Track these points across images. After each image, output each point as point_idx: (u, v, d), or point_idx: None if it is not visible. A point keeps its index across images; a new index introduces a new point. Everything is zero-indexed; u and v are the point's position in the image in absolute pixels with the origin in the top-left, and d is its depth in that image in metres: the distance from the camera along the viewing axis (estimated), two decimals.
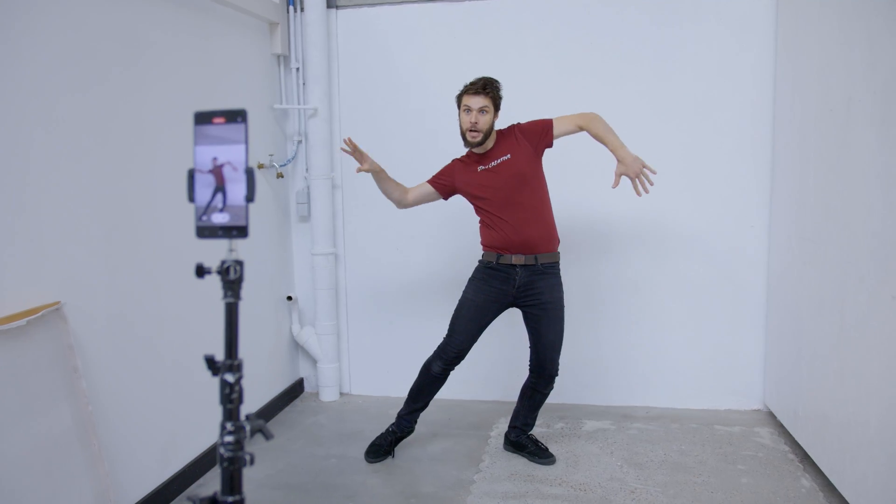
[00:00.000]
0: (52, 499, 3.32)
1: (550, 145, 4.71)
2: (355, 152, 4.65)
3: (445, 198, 4.92)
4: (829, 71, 4.46)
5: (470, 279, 4.86)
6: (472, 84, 4.58)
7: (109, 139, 3.95)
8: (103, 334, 3.89)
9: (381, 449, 5.02)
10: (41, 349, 3.38)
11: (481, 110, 4.52)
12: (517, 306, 4.80)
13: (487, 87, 4.53)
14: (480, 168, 4.66)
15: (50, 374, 3.42)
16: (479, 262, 4.84)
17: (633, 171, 4.47)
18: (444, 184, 4.85)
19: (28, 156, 3.38)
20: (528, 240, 4.63)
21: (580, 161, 5.57)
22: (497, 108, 4.63)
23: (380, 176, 4.82)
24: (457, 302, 4.87)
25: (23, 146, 3.35)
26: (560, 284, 4.80)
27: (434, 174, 4.89)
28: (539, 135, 4.66)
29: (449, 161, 4.90)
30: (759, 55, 5.56)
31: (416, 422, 5.09)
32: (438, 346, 4.86)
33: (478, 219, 4.82)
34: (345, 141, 4.64)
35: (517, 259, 4.65)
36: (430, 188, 4.88)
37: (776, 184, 5.48)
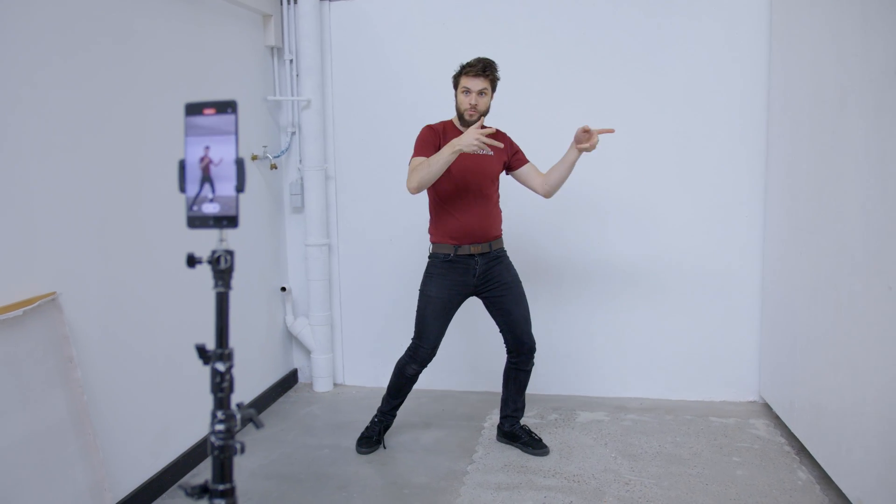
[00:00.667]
0: (46, 488, 3.32)
1: (507, 171, 4.83)
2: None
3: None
4: (822, 61, 4.46)
5: (426, 276, 4.83)
6: (471, 66, 4.54)
7: (103, 130, 3.94)
8: (98, 324, 3.90)
9: (371, 440, 5.03)
10: (37, 339, 3.38)
11: (480, 92, 4.52)
12: (478, 295, 4.83)
13: (487, 70, 4.52)
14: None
15: (45, 363, 3.42)
16: (433, 256, 4.81)
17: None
18: (438, 146, 4.67)
19: (21, 147, 3.38)
20: (487, 229, 4.70)
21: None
22: (494, 89, 4.63)
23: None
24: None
25: (16, 137, 3.35)
26: (512, 265, 4.89)
27: (420, 149, 4.63)
28: (512, 155, 4.76)
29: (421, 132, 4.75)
30: (752, 45, 5.54)
31: (396, 413, 5.14)
32: (409, 349, 4.86)
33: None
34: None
35: (475, 248, 4.68)
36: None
37: (770, 174, 5.48)
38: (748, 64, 5.56)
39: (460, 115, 4.62)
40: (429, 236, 4.84)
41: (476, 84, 4.52)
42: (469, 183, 4.62)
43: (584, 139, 4.51)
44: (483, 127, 4.33)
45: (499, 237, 4.81)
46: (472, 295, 4.83)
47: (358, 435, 5.16)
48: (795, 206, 4.89)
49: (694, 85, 5.65)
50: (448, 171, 4.51)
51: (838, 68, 4.20)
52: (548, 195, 4.81)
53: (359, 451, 4.99)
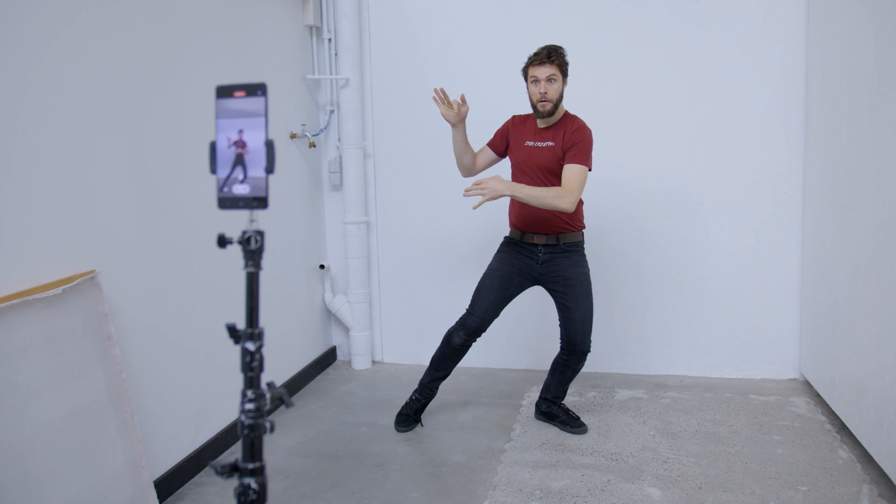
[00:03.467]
0: (85, 464, 3.36)
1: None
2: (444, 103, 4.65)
3: (503, 156, 4.88)
4: (860, 36, 4.39)
5: (496, 253, 4.88)
6: (535, 55, 4.52)
7: (143, 109, 3.97)
8: (137, 302, 3.93)
9: (409, 418, 5.04)
10: (76, 317, 3.41)
11: (549, 79, 4.47)
12: (542, 284, 4.79)
13: (552, 55, 4.47)
14: (527, 143, 4.64)
15: (84, 341, 3.45)
16: (505, 238, 4.87)
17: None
18: (498, 143, 4.83)
19: (62, 126, 3.41)
20: (549, 220, 4.63)
21: (612, 133, 5.54)
22: (565, 74, 4.57)
23: (459, 133, 4.73)
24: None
25: (56, 116, 3.38)
26: (584, 261, 4.77)
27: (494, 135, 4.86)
28: (567, 149, 4.61)
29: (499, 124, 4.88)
30: (789, 21, 5.48)
31: (437, 389, 5.09)
32: (461, 317, 4.85)
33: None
34: (436, 91, 4.62)
35: (539, 239, 4.66)
36: (489, 151, 4.87)
37: (809, 151, 5.42)
38: (786, 40, 5.50)
39: (534, 107, 4.58)
40: None
41: (543, 72, 4.47)
42: (527, 174, 4.63)
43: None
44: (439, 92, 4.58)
45: (569, 231, 4.68)
46: (536, 283, 4.79)
47: (396, 412, 5.18)
48: (835, 182, 4.84)
49: (732, 62, 5.59)
50: (512, 161, 4.72)
51: (877, 43, 4.13)
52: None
53: (397, 430, 5.00)
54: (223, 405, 4.70)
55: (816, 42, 5.22)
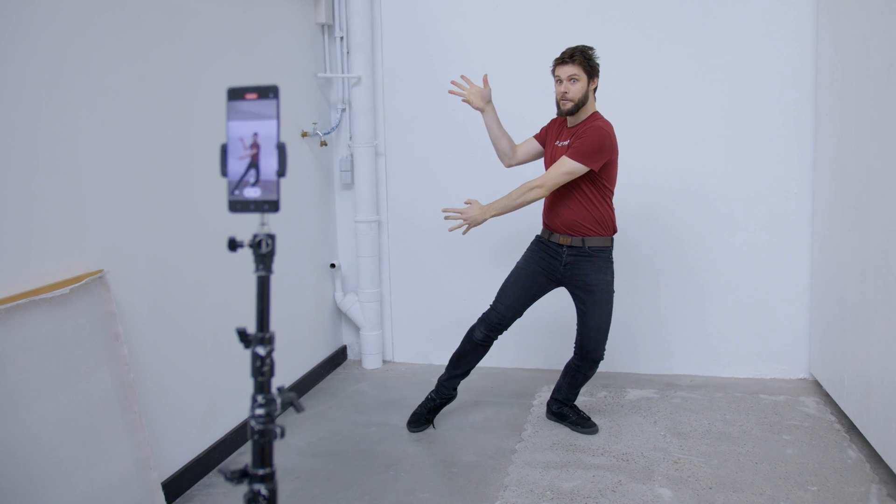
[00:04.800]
0: (92, 464, 3.36)
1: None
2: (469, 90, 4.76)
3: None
4: (870, 35, 4.39)
5: (525, 250, 4.89)
6: (561, 54, 4.57)
7: (153, 108, 3.96)
8: (145, 302, 3.93)
9: (422, 417, 5.02)
10: (84, 316, 3.41)
11: (571, 79, 4.50)
12: (565, 285, 4.78)
13: (575, 56, 4.51)
14: (557, 143, 4.67)
15: (92, 340, 3.45)
16: (536, 236, 4.88)
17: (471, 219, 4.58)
18: (541, 136, 4.88)
19: (71, 124, 3.41)
20: (572, 222, 4.62)
21: (623, 133, 5.53)
22: (591, 75, 4.57)
23: (490, 117, 4.81)
24: (502, 271, 4.91)
25: (66, 115, 3.38)
26: (609, 268, 4.74)
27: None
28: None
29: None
30: (800, 19, 5.48)
31: (456, 389, 5.06)
32: (484, 312, 4.85)
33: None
34: (454, 83, 4.74)
35: (564, 239, 4.65)
36: (535, 143, 4.88)
37: (818, 150, 5.41)
38: (795, 40, 5.50)
39: (556, 105, 4.62)
40: None
41: (565, 71, 4.52)
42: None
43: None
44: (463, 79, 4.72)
45: (595, 234, 4.64)
46: (560, 284, 4.79)
47: (407, 412, 5.18)
48: (844, 181, 4.83)
49: (742, 60, 5.59)
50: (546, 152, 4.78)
51: (885, 43, 4.13)
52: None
53: (409, 430, 5.00)
54: (232, 405, 4.70)
55: (826, 42, 5.21)
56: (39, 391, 3.14)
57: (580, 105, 4.54)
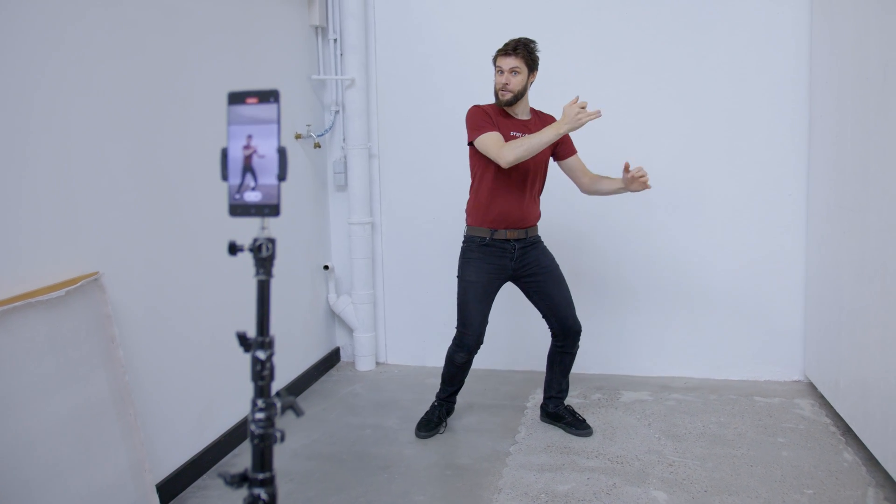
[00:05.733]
0: (87, 466, 3.35)
1: (555, 158, 4.85)
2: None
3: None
4: (865, 37, 4.39)
5: (463, 261, 4.81)
6: (504, 45, 4.59)
7: (148, 109, 3.96)
8: (141, 304, 3.92)
9: (431, 423, 4.99)
10: (80, 318, 3.40)
11: (512, 71, 4.54)
12: (516, 281, 4.83)
13: (518, 48, 4.54)
14: (514, 133, 4.62)
15: (88, 342, 3.44)
16: (468, 240, 4.81)
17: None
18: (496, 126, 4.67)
19: (67, 126, 3.40)
20: (527, 216, 4.73)
21: (617, 135, 5.55)
22: (531, 68, 4.61)
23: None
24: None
25: (62, 115, 3.37)
26: (547, 249, 4.89)
27: (486, 125, 4.58)
28: (560, 143, 4.71)
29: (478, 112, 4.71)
30: (795, 20, 5.49)
31: (455, 400, 5.15)
32: (455, 338, 4.83)
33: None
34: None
35: (511, 234, 4.69)
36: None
37: (814, 152, 5.42)
38: (790, 43, 5.51)
39: (495, 94, 4.65)
40: (465, 217, 4.85)
41: (507, 63, 4.55)
42: (522, 169, 4.62)
43: (631, 181, 4.58)
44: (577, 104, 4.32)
45: (536, 224, 4.82)
46: (509, 280, 4.82)
47: (401, 413, 5.20)
48: (840, 183, 4.83)
49: (737, 62, 5.60)
50: None
51: (881, 46, 4.13)
52: (587, 194, 4.91)
53: (418, 436, 4.95)
54: (227, 408, 4.69)
55: (821, 43, 5.22)
56: (36, 393, 3.13)
57: (519, 97, 4.62)
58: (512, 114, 4.69)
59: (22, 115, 3.17)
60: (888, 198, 4.04)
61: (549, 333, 4.95)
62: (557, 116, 4.65)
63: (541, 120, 4.74)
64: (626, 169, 4.53)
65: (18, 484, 3.00)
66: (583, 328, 4.93)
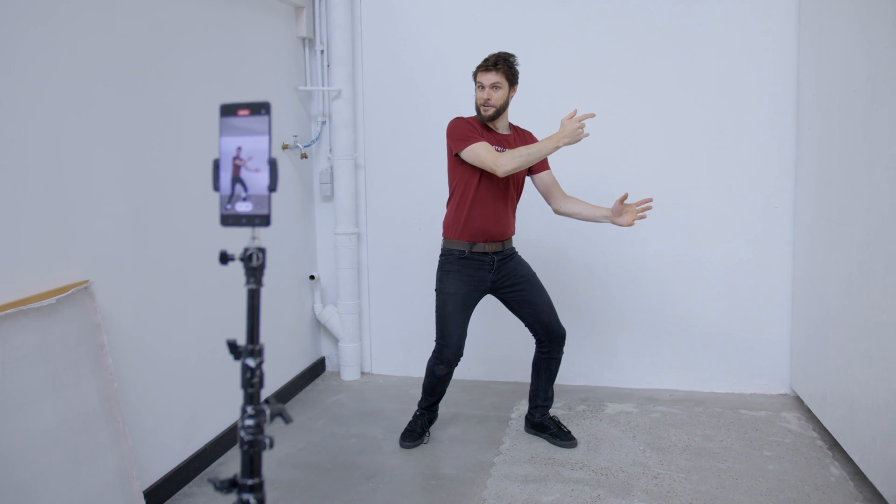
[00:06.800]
0: (76, 474, 3.35)
1: (528, 172, 4.87)
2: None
3: None
4: (852, 50, 4.42)
5: (442, 273, 4.81)
6: (485, 60, 4.60)
7: (138, 120, 3.97)
8: (130, 312, 3.93)
9: (415, 433, 5.00)
10: (69, 326, 3.41)
11: (493, 86, 4.55)
12: (496, 292, 4.85)
13: (499, 64, 4.55)
14: (496, 148, 4.60)
15: (77, 350, 3.45)
16: (446, 253, 4.81)
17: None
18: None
19: (59, 136, 3.41)
20: (505, 229, 4.76)
21: (602, 147, 5.56)
22: (512, 83, 4.62)
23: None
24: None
25: (54, 127, 3.38)
26: (523, 259, 4.94)
27: (474, 135, 4.55)
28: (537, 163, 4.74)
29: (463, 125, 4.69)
30: (781, 33, 5.51)
31: (437, 409, 5.17)
32: (435, 351, 4.83)
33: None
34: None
35: (489, 247, 4.71)
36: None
37: (800, 165, 5.44)
38: (778, 53, 5.53)
39: (476, 110, 4.66)
40: (442, 231, 4.86)
41: (488, 78, 4.55)
42: (503, 183, 4.65)
43: (620, 214, 4.62)
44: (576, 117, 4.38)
45: (511, 237, 4.85)
46: (488, 292, 4.84)
47: (386, 423, 5.19)
48: (826, 196, 4.85)
49: (724, 76, 5.62)
50: (482, 170, 4.57)
51: (869, 58, 4.15)
52: (557, 213, 4.92)
53: (402, 446, 4.95)
54: (214, 414, 4.69)
55: (807, 58, 5.24)
56: (26, 400, 3.14)
57: (501, 111, 4.64)
58: (493, 128, 4.70)
59: (13, 126, 3.17)
60: (874, 211, 4.06)
61: (534, 342, 4.96)
62: (537, 132, 4.69)
63: (519, 135, 4.78)
64: (622, 200, 4.53)
65: (9, 491, 3.00)
66: (568, 339, 4.97)
